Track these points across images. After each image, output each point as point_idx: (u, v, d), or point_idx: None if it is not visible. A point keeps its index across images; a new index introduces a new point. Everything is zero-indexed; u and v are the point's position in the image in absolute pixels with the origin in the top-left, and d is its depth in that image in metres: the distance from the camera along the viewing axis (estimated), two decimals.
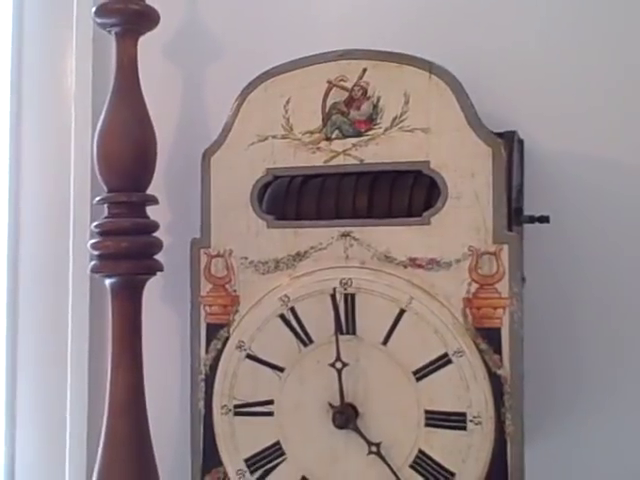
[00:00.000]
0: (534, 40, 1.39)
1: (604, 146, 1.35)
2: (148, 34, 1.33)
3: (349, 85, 1.17)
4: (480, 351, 1.08)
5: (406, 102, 1.15)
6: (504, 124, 1.28)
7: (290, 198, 1.23)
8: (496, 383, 1.08)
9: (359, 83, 1.17)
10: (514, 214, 1.24)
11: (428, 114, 1.14)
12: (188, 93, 1.59)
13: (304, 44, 1.29)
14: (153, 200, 1.19)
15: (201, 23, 1.62)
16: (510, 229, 1.11)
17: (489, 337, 1.09)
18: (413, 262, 1.13)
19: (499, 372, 1.08)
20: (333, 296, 1.15)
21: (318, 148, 1.18)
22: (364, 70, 1.17)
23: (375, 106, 1.16)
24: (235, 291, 1.22)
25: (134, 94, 1.15)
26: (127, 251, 1.12)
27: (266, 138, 1.21)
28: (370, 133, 1.16)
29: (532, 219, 1.31)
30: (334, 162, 1.17)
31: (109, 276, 1.15)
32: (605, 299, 1.22)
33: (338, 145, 1.17)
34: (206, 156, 1.25)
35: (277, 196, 1.24)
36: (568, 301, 1.31)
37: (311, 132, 1.19)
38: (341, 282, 1.14)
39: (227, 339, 1.21)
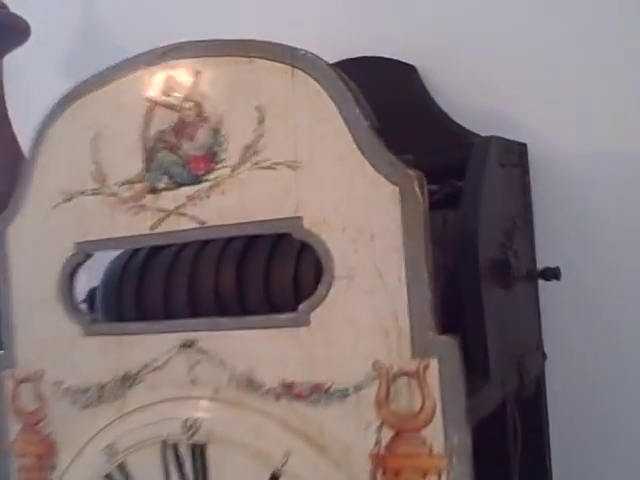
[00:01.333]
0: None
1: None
2: None
3: (178, 101, 0.71)
4: None
5: (260, 120, 0.67)
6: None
7: (125, 286, 0.78)
8: None
9: (191, 96, 0.70)
10: (501, 269, 0.76)
11: (295, 138, 0.66)
12: None
13: None
14: None
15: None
16: (445, 327, 0.62)
17: None
18: (289, 390, 0.66)
19: None
20: (175, 447, 0.69)
21: (141, 206, 0.72)
22: (197, 74, 0.70)
23: (216, 132, 0.69)
24: (50, 435, 0.78)
25: None
26: None
27: (72, 196, 0.76)
28: (212, 177, 0.69)
29: (532, 274, 0.81)
30: (163, 228, 0.71)
31: None
32: None
33: (168, 200, 0.71)
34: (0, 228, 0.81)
35: (109, 283, 0.80)
36: None
37: (131, 182, 0.73)
38: (185, 424, 0.68)
39: None
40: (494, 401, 0.74)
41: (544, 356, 0.94)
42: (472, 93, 0.99)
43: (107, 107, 0.76)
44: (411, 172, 0.62)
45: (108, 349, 0.76)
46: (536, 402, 0.91)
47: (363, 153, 0.64)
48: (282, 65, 0.68)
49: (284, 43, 0.69)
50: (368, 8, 1.08)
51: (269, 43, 0.69)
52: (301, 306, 0.67)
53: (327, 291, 0.65)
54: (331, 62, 1.05)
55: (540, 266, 0.92)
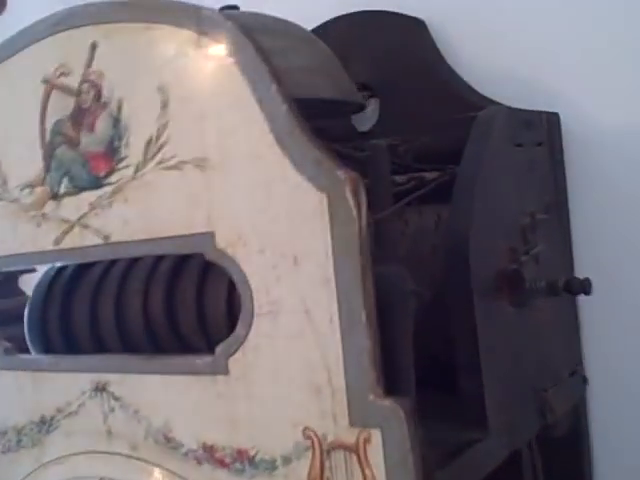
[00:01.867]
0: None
1: None
2: None
3: (75, 82, 0.55)
4: None
5: (164, 105, 0.51)
6: None
7: (50, 309, 0.65)
8: None
9: (88, 76, 0.55)
10: (510, 282, 0.59)
11: (202, 128, 0.49)
12: None
13: None
14: None
15: None
16: (391, 389, 0.45)
17: None
18: (210, 454, 0.51)
19: None
20: None
21: (44, 216, 0.58)
22: (93, 47, 0.54)
23: (117, 121, 0.53)
24: None
25: None
26: None
27: None
28: (113, 179, 0.54)
29: (553, 287, 0.63)
30: (68, 242, 0.56)
31: None
32: None
33: (70, 208, 0.57)
34: None
35: (34, 304, 0.67)
36: None
37: (31, 185, 0.59)
38: None
39: None
40: (496, 457, 0.57)
41: (585, 381, 0.75)
42: (491, 53, 0.78)
43: (2, 90, 0.61)
44: (342, 173, 0.45)
45: (23, 386, 0.63)
46: (574, 437, 0.72)
47: (283, 149, 0.47)
48: (186, 31, 0.51)
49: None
50: None
51: (169, 2, 0.52)
52: (218, 349, 0.51)
53: (247, 332, 0.49)
54: (328, 17, 0.88)
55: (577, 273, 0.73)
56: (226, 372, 0.51)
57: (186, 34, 0.51)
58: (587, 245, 0.75)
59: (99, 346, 0.63)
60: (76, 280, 0.65)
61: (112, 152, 0.55)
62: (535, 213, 0.66)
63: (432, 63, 0.82)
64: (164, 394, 0.54)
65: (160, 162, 0.53)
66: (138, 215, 0.54)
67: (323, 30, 0.87)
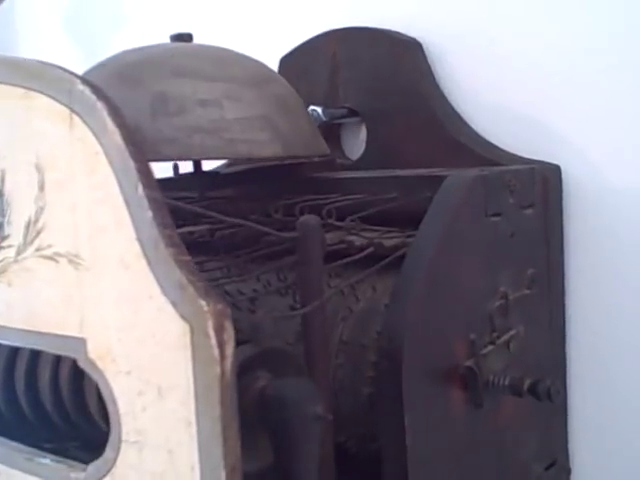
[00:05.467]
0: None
1: None
2: None
3: None
4: None
5: (41, 186, 0.45)
6: None
7: None
8: None
9: None
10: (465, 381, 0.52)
11: (75, 220, 0.43)
12: None
13: None
14: None
15: None
16: None
17: None
18: None
19: None
20: None
21: None
22: None
23: (0, 194, 0.48)
24: None
25: None
26: None
27: None
28: None
29: (517, 390, 0.56)
30: None
31: None
32: None
33: None
34: None
35: None
36: None
37: None
38: None
39: None
40: None
41: (568, 471, 0.67)
42: (492, 87, 0.69)
43: None
44: (205, 304, 0.38)
45: None
46: None
47: (148, 263, 0.40)
48: (59, 106, 0.44)
49: (65, 67, 0.44)
50: None
51: (47, 66, 0.45)
52: (90, 467, 0.45)
53: (114, 457, 0.43)
54: (320, 32, 0.79)
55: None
56: None
57: (60, 109, 0.44)
58: (584, 325, 0.66)
59: None
60: None
61: None
62: (510, 293, 0.58)
63: (426, 92, 0.72)
64: None
65: (38, 249, 0.47)
66: (20, 302, 0.48)
67: (310, 45, 0.79)
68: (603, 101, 0.65)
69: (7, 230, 0.49)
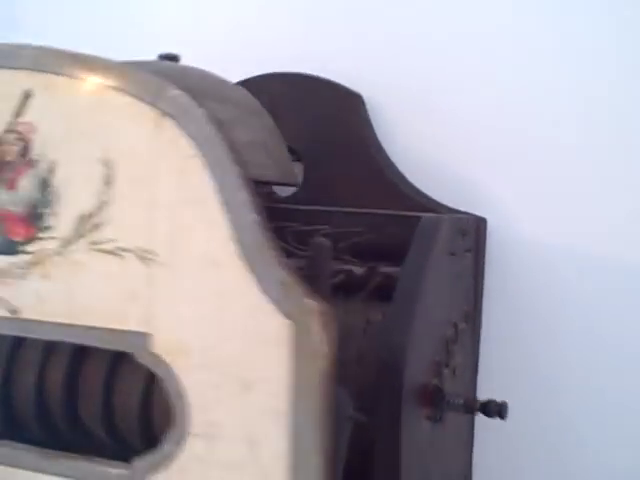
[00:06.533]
0: None
1: None
2: None
3: None
4: None
5: (107, 181, 0.45)
6: None
7: None
8: None
9: (16, 126, 0.47)
10: (432, 396, 0.57)
11: (152, 218, 0.44)
12: None
13: None
14: None
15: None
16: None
17: None
18: None
19: None
20: None
21: None
22: (27, 96, 0.47)
23: (45, 184, 0.46)
24: None
25: None
26: None
27: None
28: (32, 249, 0.47)
29: (470, 407, 0.62)
30: None
31: None
32: None
33: None
34: None
35: None
36: None
37: None
38: None
39: None
40: None
41: None
42: (429, 142, 0.77)
43: None
44: (311, 302, 0.41)
45: None
46: None
47: (246, 262, 0.43)
48: (145, 106, 0.45)
49: (151, 74, 0.46)
50: (317, 18, 0.84)
51: (131, 65, 0.46)
52: (137, 462, 0.46)
53: (175, 450, 0.44)
54: (258, 74, 0.83)
55: (481, 394, 0.72)
56: None
57: (144, 110, 0.46)
58: (493, 361, 0.75)
59: None
60: None
61: (34, 218, 0.49)
62: (457, 323, 0.65)
63: (364, 139, 0.79)
64: None
65: (94, 243, 0.47)
66: (58, 295, 0.48)
67: (253, 84, 0.83)
68: (526, 160, 0.75)
69: (50, 221, 0.48)
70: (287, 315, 0.42)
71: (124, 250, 0.46)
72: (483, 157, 0.76)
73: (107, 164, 0.47)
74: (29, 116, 0.49)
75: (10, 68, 0.49)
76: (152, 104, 0.45)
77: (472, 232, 0.72)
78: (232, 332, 0.44)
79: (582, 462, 0.74)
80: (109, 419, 0.52)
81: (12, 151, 0.49)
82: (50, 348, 0.54)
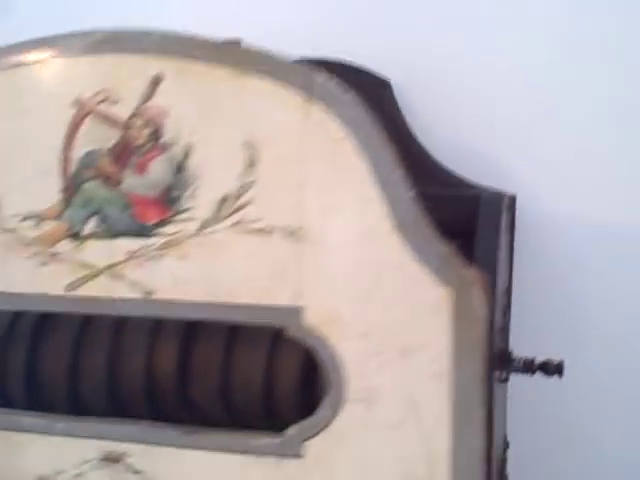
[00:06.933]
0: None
1: None
2: None
3: (123, 112, 0.48)
4: None
5: (251, 163, 0.46)
6: None
7: (12, 355, 0.56)
8: None
9: (144, 110, 0.48)
10: (502, 360, 0.60)
11: (300, 196, 0.46)
12: None
13: None
14: None
15: None
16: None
17: None
18: None
19: None
20: None
21: (54, 256, 0.50)
22: (156, 80, 0.48)
23: (180, 168, 0.47)
24: None
25: None
26: None
27: None
28: (167, 231, 0.48)
29: (529, 367, 0.66)
30: (86, 290, 0.49)
31: None
32: None
33: (97, 252, 0.49)
34: None
35: None
36: None
37: (39, 217, 0.50)
38: None
39: None
40: None
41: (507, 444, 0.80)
42: (455, 122, 0.80)
43: (4, 104, 0.52)
44: (471, 272, 0.45)
45: None
46: None
47: (403, 236, 0.46)
48: (291, 92, 0.47)
49: (298, 58, 0.48)
50: (344, 3, 0.85)
51: (275, 56, 0.48)
52: (291, 430, 0.48)
53: (333, 416, 0.47)
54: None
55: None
56: (298, 456, 0.48)
57: (291, 95, 0.48)
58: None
59: (77, 405, 0.56)
60: (47, 322, 0.57)
61: (168, 201, 0.50)
62: (509, 293, 0.70)
63: (394, 125, 0.82)
64: (206, 473, 0.50)
65: (237, 223, 0.49)
66: (198, 275, 0.49)
67: None
68: (555, 141, 0.80)
69: (187, 204, 0.50)
70: (448, 284, 0.46)
71: (271, 229, 0.48)
72: (512, 137, 0.81)
73: (250, 146, 0.48)
74: (159, 100, 0.50)
75: (132, 53, 0.50)
76: (300, 90, 0.47)
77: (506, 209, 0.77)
78: (391, 302, 0.46)
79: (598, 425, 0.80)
80: (225, 394, 0.53)
81: (141, 135, 0.50)
82: (156, 331, 0.55)
